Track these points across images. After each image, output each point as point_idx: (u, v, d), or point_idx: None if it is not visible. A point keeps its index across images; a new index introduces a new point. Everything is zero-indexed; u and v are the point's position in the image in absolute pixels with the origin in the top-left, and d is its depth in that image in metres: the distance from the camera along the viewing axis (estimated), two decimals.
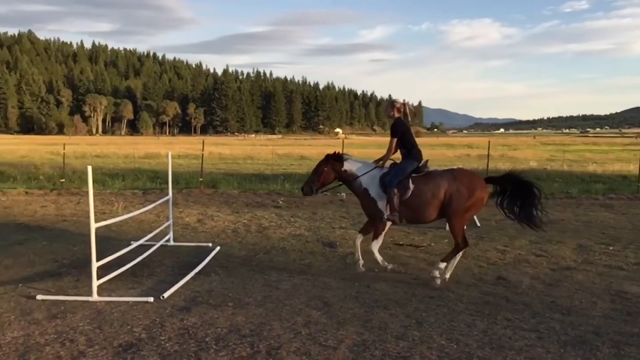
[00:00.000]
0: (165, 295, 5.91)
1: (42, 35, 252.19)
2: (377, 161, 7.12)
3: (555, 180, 18.50)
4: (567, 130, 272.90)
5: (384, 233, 6.91)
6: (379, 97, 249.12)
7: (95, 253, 5.90)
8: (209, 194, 15.29)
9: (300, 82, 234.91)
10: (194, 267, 7.13)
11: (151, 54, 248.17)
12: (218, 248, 8.42)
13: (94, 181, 5.95)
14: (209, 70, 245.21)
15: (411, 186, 6.61)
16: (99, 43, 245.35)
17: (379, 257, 6.84)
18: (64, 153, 19.93)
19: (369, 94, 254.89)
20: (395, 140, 6.86)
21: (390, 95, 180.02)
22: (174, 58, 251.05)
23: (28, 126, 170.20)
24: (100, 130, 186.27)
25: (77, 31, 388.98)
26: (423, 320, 5.26)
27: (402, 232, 9.82)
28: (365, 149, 46.70)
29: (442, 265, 6.64)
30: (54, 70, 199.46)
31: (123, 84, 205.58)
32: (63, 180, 16.89)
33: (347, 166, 7.03)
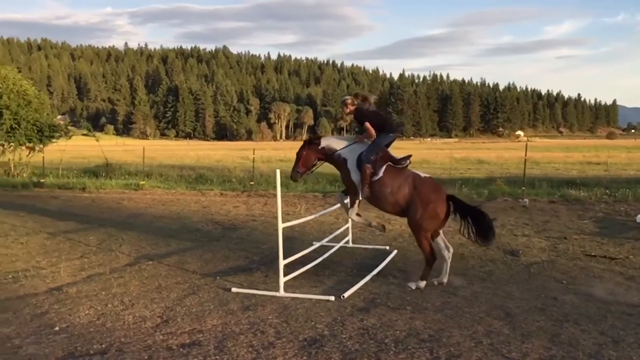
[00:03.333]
0: (346, 295, 6.12)
1: (235, 49, 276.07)
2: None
3: None
4: None
5: (358, 203, 7.26)
6: (566, 97, 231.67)
7: (282, 252, 6.31)
8: None
9: (479, 84, 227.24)
10: (372, 269, 7.28)
11: (330, 62, 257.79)
12: (395, 251, 8.49)
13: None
14: (385, 75, 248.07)
15: (380, 173, 6.89)
16: (283, 54, 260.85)
17: (359, 219, 7.07)
18: (253, 158, 21.54)
19: (554, 93, 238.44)
20: (367, 124, 7.09)
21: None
22: (352, 65, 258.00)
23: (222, 133, 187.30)
24: (283, 135, 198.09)
25: (265, 44, 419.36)
26: (620, 339, 4.80)
27: (596, 242, 9.05)
28: (549, 152, 43.81)
29: (422, 284, 6.61)
30: (244, 81, 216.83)
31: (304, 92, 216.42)
32: (253, 182, 18.25)
33: (325, 142, 7.40)
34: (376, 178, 6.91)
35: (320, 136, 7.72)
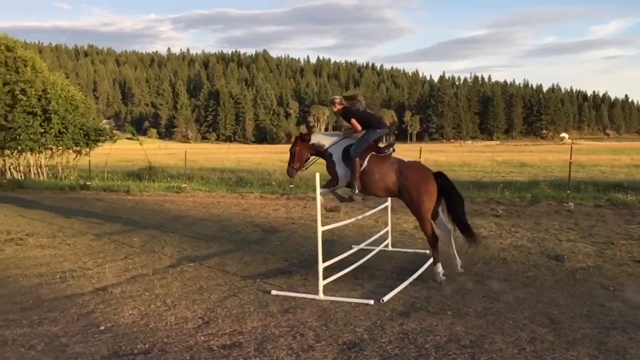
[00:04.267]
0: (385, 299, 6.09)
1: (274, 53, 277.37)
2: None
3: None
4: None
5: (332, 190, 7.65)
6: (612, 98, 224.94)
7: (322, 255, 6.32)
8: None
9: (522, 85, 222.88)
10: (412, 273, 7.22)
11: (370, 64, 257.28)
12: None
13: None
14: (425, 77, 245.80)
15: (365, 164, 7.24)
16: (322, 57, 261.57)
17: (321, 199, 6.93)
18: None
19: (600, 94, 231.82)
20: (353, 120, 7.44)
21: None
22: (391, 67, 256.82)
23: (261, 136, 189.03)
24: None
25: (304, 47, 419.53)
26: None
27: None
28: (595, 155, 42.69)
29: (438, 267, 6.99)
30: (284, 84, 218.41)
31: (343, 95, 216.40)
32: (292, 186, 18.33)
33: (314, 139, 7.74)
34: (362, 168, 7.27)
35: (310, 132, 8.12)
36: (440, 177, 7.30)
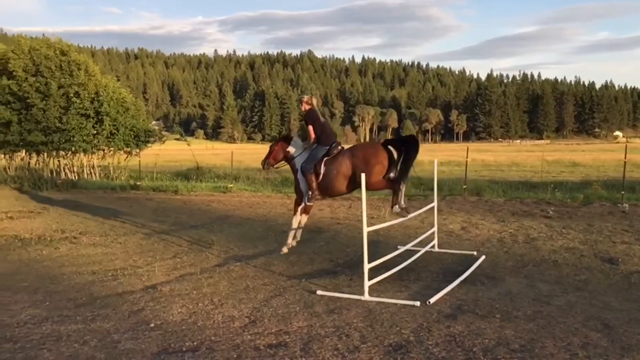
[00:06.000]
0: (432, 300, 6.01)
1: (319, 53, 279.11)
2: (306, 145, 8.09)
3: None
4: None
5: (300, 210, 8.10)
6: None
7: (367, 255, 6.29)
8: (473, 201, 15.07)
9: (573, 83, 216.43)
10: (459, 275, 7.10)
11: (415, 63, 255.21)
12: (483, 257, 8.24)
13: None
14: (472, 76, 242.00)
15: (322, 169, 7.63)
16: (367, 57, 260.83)
17: (290, 233, 7.91)
18: None
19: None
20: (311, 127, 7.88)
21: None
22: (437, 66, 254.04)
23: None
24: (367, 138, 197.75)
25: (349, 47, 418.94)
26: None
27: None
28: None
29: (396, 208, 7.42)
30: (328, 84, 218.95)
31: (389, 94, 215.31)
32: None
33: (291, 146, 8.20)
34: (320, 176, 7.68)
35: (292, 137, 8.51)
36: (389, 143, 7.55)
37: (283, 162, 8.46)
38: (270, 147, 8.53)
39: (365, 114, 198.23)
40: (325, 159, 7.73)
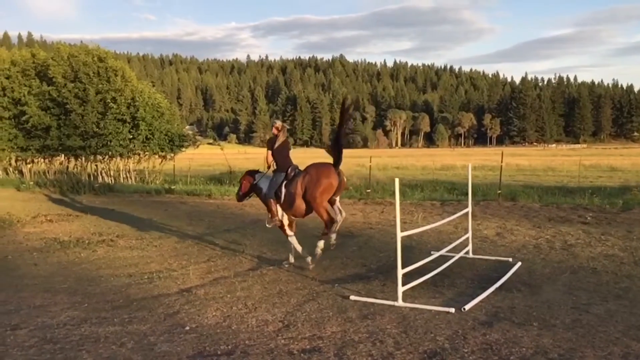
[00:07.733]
0: (467, 307, 5.93)
1: (351, 58, 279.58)
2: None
3: None
4: None
5: (287, 229, 8.52)
6: None
7: (400, 261, 6.25)
8: (508, 206, 14.82)
9: (610, 86, 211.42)
10: (494, 282, 7.00)
11: (448, 67, 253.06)
12: (519, 263, 8.10)
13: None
14: (506, 79, 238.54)
15: (283, 192, 8.09)
16: (399, 61, 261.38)
17: (297, 247, 8.52)
18: (370, 165, 21.58)
19: None
20: (269, 152, 8.40)
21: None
22: (470, 69, 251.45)
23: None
24: (399, 143, 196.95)
25: (381, 51, 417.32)
26: None
27: None
28: None
29: (321, 243, 7.88)
30: (360, 89, 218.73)
31: (421, 98, 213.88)
32: (369, 190, 18.29)
33: (257, 179, 8.74)
34: (282, 200, 8.13)
35: (258, 171, 9.10)
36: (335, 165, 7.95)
37: (252, 193, 8.96)
38: (240, 180, 9.18)
39: (397, 118, 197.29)
40: (284, 182, 8.18)
